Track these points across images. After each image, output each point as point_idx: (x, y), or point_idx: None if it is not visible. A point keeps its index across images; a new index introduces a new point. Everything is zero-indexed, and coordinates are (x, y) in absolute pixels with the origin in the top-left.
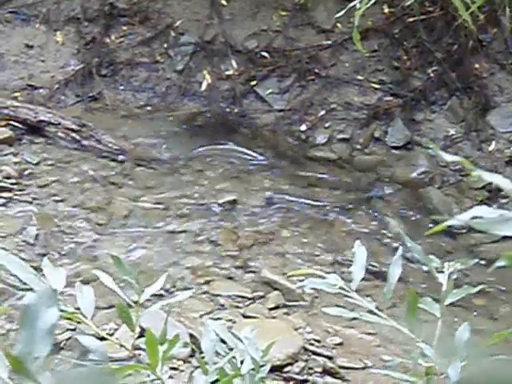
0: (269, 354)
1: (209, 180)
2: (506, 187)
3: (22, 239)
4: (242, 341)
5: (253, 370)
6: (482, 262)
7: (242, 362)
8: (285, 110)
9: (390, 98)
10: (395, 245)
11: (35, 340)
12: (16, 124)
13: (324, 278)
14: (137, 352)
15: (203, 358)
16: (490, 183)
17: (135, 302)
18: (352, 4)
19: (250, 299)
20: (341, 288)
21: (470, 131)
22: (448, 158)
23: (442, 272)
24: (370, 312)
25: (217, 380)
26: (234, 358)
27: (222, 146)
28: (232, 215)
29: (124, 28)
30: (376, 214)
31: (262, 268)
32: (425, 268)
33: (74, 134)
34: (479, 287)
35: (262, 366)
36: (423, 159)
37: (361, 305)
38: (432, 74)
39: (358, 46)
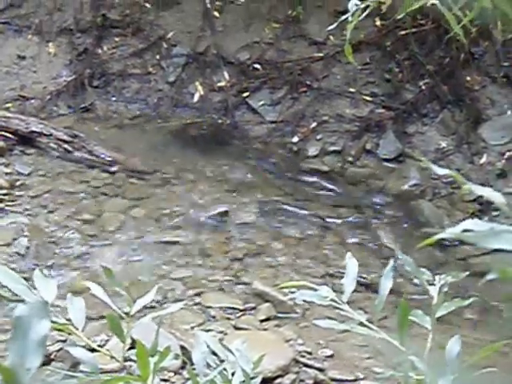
0: (260, 365)
1: (201, 191)
2: (497, 200)
3: (13, 250)
4: (232, 353)
5: (243, 382)
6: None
7: (232, 374)
8: (277, 121)
9: (382, 111)
10: (386, 256)
11: (27, 351)
12: (7, 135)
13: (315, 290)
14: (128, 364)
15: (194, 369)
16: (482, 196)
17: (126, 314)
18: (344, 17)
19: (241, 311)
20: (332, 300)
21: (461, 144)
22: (439, 171)
23: (434, 285)
24: (361, 324)
25: None
26: (224, 369)
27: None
28: (224, 227)
29: (116, 39)
30: (367, 226)
31: (254, 280)
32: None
33: (65, 145)
34: (470, 300)
35: (253, 378)
36: (415, 171)
37: (352, 317)
38: (424, 87)
39: (350, 59)
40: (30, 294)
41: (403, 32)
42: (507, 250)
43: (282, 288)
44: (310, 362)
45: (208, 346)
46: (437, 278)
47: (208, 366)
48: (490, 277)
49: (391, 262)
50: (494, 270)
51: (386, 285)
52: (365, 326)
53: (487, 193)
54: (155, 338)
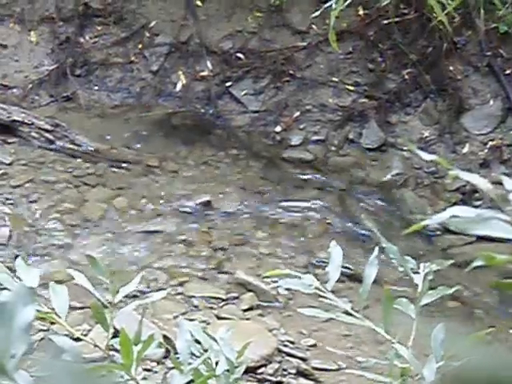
0: (243, 355)
1: (183, 181)
2: (484, 187)
3: None
4: (216, 341)
5: (227, 370)
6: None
7: (216, 363)
8: (260, 111)
9: (365, 100)
10: (369, 246)
11: (12, 338)
12: None
13: (300, 278)
14: (111, 353)
15: (178, 358)
16: (465, 185)
17: (110, 303)
18: (328, 4)
19: (224, 300)
20: (317, 288)
21: (444, 133)
22: (426, 156)
23: (418, 273)
24: (346, 313)
25: (191, 380)
26: (208, 358)
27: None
28: (206, 216)
29: (98, 28)
30: (350, 215)
31: (237, 269)
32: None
33: (47, 135)
34: (454, 288)
35: (237, 366)
36: (397, 161)
37: (336, 305)
38: (406, 76)
39: (334, 45)
40: (12, 282)
41: (386, 21)
42: (494, 236)
43: (267, 277)
44: (292, 352)
45: (192, 335)
46: (421, 266)
47: (192, 354)
48: (476, 264)
49: (376, 250)
50: (481, 257)
51: (371, 273)
52: (350, 314)
53: (473, 179)
54: (138, 327)
